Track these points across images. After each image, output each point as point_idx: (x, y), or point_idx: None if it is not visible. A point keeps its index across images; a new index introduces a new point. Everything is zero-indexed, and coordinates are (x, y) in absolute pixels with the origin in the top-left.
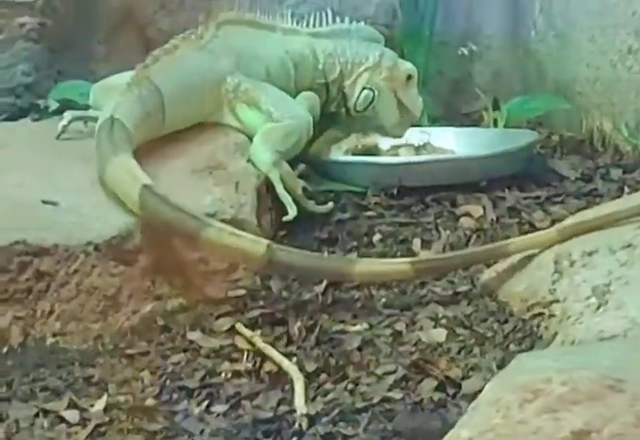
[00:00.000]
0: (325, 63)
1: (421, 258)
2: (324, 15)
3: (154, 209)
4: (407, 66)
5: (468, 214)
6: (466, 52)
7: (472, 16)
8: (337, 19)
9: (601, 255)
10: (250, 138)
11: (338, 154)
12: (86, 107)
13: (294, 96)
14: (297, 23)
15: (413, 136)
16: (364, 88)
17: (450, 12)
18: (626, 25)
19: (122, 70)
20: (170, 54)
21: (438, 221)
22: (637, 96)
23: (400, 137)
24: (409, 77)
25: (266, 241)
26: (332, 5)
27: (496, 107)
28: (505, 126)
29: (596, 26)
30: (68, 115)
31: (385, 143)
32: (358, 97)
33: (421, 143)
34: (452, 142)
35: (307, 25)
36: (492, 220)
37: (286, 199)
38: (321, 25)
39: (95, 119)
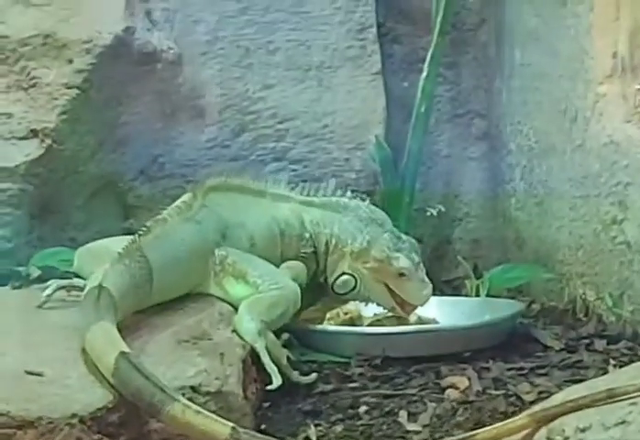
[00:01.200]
0: (313, 232)
1: None
2: (322, 186)
3: (125, 378)
4: (400, 264)
5: (453, 386)
6: (434, 213)
7: (452, 183)
8: (338, 192)
9: (594, 431)
10: (236, 309)
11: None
12: (67, 274)
13: (279, 264)
14: (291, 190)
15: None
16: (344, 272)
17: (430, 179)
18: (609, 195)
19: (101, 236)
20: (161, 225)
21: (424, 393)
22: (621, 266)
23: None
24: (401, 274)
25: (231, 424)
26: (313, 172)
27: (477, 276)
28: (487, 295)
29: (578, 195)
30: (53, 284)
31: (369, 312)
32: (337, 279)
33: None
34: (435, 311)
35: (301, 193)
36: (478, 392)
37: (272, 369)
38: (316, 195)
39: (80, 288)
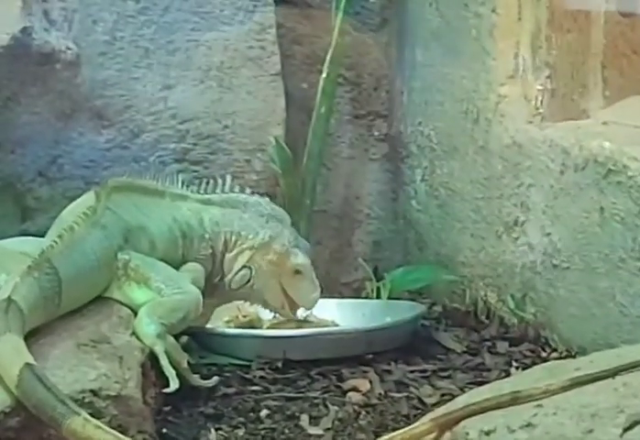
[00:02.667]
0: (212, 233)
1: None
2: (220, 182)
3: (28, 389)
4: (299, 260)
5: (355, 389)
6: None
7: (352, 185)
8: (237, 189)
9: (499, 434)
10: (136, 314)
11: (221, 325)
12: None
13: (179, 267)
14: (187, 188)
15: None
16: (243, 266)
17: (331, 180)
18: (511, 196)
19: None
20: (69, 234)
21: (326, 396)
22: (523, 268)
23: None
24: (297, 272)
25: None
26: (214, 173)
27: (377, 278)
28: (388, 298)
29: (480, 196)
30: None
31: (268, 315)
32: (236, 274)
33: (303, 315)
34: (336, 314)
35: (198, 191)
36: (380, 394)
37: (169, 372)
38: (215, 192)
39: None
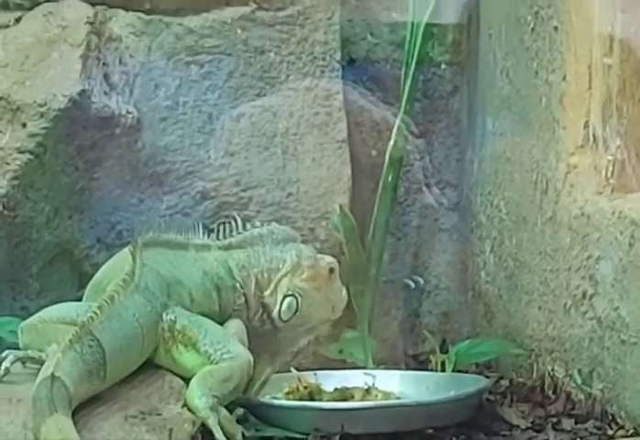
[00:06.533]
0: (242, 279)
1: None
2: (233, 223)
3: None
4: (327, 260)
5: None
6: (412, 284)
7: (421, 255)
8: (248, 225)
9: None
10: (186, 381)
11: (280, 397)
12: (15, 345)
13: (222, 322)
14: (208, 236)
15: (357, 378)
16: (285, 295)
17: (399, 250)
18: (580, 269)
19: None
20: (110, 304)
21: None
22: (591, 343)
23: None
24: (331, 270)
25: None
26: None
27: (444, 350)
28: (453, 370)
29: (549, 268)
30: (9, 355)
31: (329, 385)
32: (281, 305)
33: (365, 386)
34: (398, 386)
35: (218, 237)
36: None
37: None
38: (232, 235)
39: (36, 360)
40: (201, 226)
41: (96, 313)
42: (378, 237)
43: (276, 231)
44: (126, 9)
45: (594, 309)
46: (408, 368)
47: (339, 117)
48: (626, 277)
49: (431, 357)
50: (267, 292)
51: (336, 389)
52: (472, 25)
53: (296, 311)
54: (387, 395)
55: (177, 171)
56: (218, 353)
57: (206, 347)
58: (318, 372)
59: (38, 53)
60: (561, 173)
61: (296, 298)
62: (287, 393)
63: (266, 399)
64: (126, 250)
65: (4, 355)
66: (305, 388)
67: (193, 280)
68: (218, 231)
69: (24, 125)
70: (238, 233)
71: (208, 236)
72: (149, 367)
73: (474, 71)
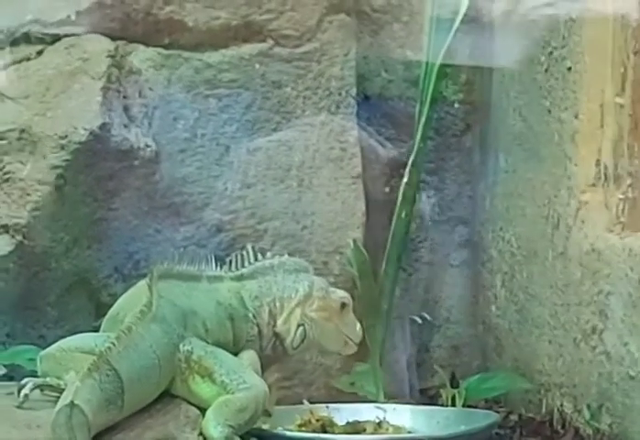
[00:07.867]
0: (254, 309)
1: None
2: (245, 254)
3: None
4: (340, 294)
5: None
6: (419, 320)
7: (432, 289)
8: (260, 256)
9: None
10: (202, 411)
11: (293, 429)
12: (34, 373)
13: (236, 352)
14: (221, 267)
15: (369, 412)
16: (299, 325)
17: (410, 285)
18: (590, 304)
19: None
20: (127, 335)
21: None
22: (600, 378)
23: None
24: (343, 305)
25: None
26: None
27: (454, 384)
28: (463, 405)
29: (559, 302)
30: (29, 382)
31: (340, 418)
32: (295, 334)
33: (377, 420)
34: (409, 420)
35: (230, 268)
36: None
37: None
38: (244, 265)
39: (55, 389)
40: (214, 258)
41: (114, 344)
42: (390, 272)
43: (288, 262)
44: (146, 44)
45: (604, 344)
46: (418, 402)
47: (354, 153)
48: (636, 313)
49: (441, 391)
50: (279, 321)
51: (348, 422)
52: (485, 65)
53: (304, 339)
54: (398, 429)
55: (194, 203)
56: (234, 383)
57: (222, 378)
58: (330, 405)
59: (60, 85)
60: (572, 209)
61: (304, 328)
62: (299, 425)
63: (279, 430)
64: (141, 283)
65: (23, 382)
66: (317, 420)
67: (207, 310)
68: (231, 262)
69: (45, 157)
70: (250, 263)
71: (221, 268)
72: (166, 396)
73: (487, 109)
